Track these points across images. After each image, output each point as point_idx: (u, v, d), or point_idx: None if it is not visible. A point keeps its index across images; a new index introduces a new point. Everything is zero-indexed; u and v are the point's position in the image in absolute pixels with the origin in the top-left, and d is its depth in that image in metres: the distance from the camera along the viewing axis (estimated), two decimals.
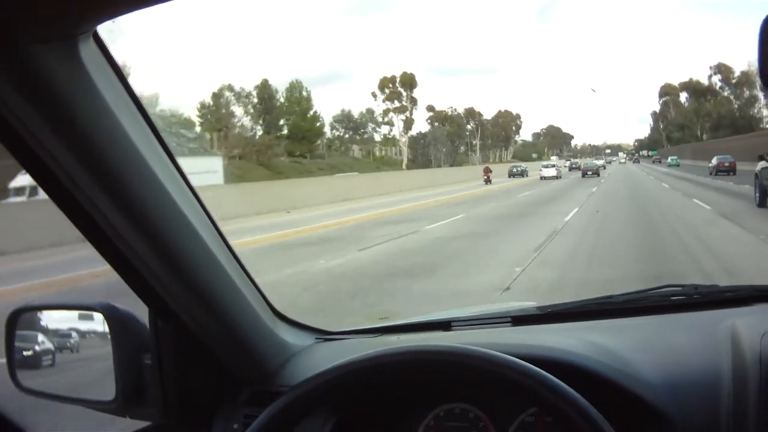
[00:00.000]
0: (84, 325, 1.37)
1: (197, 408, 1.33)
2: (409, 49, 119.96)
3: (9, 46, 0.82)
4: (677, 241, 10.78)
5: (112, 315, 1.27)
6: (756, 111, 76.75)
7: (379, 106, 76.69)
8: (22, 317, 1.37)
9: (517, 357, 1.01)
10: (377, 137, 76.33)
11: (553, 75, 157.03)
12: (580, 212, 17.25)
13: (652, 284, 1.58)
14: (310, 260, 10.83)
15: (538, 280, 8.02)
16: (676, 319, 1.41)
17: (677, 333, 1.31)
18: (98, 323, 1.29)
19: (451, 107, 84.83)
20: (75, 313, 1.40)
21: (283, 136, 60.53)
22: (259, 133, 59.13)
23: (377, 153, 73.94)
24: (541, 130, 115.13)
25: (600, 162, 64.55)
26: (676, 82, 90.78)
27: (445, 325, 1.55)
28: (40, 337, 1.40)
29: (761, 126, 70.14)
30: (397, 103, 74.61)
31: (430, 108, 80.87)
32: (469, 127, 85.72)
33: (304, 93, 63.94)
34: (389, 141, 76.33)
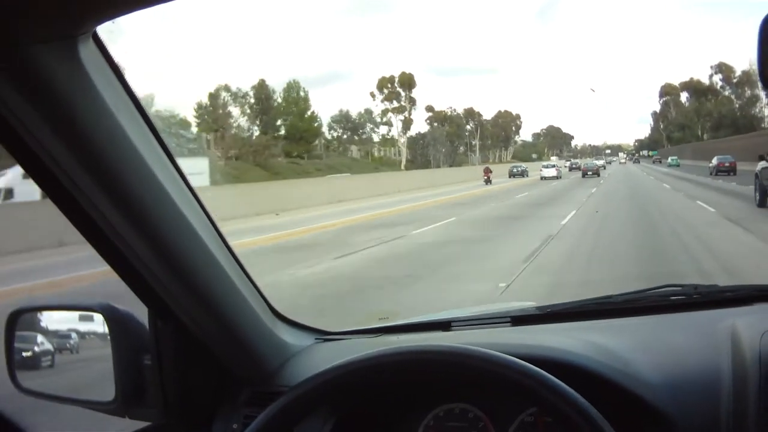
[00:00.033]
0: (83, 326, 1.37)
1: (197, 408, 1.33)
2: (408, 50, 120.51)
3: (9, 46, 0.82)
4: (678, 243, 10.58)
5: (111, 316, 1.27)
6: (758, 110, 76.80)
7: (377, 107, 76.51)
8: (22, 318, 1.37)
9: (516, 357, 1.01)
10: (376, 138, 76.34)
11: (553, 75, 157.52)
12: (578, 215, 16.70)
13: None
14: (278, 270, 9.71)
15: (527, 298, 7.39)
16: (676, 319, 1.41)
17: (677, 333, 1.31)
18: (98, 324, 1.29)
19: (451, 107, 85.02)
20: (74, 314, 1.40)
21: (281, 137, 60.16)
22: (256, 133, 58.99)
23: (376, 153, 73.74)
24: (541, 130, 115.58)
25: (600, 162, 64.80)
26: (676, 82, 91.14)
27: (444, 326, 1.55)
28: (40, 338, 1.40)
29: (762, 126, 70.10)
30: (395, 103, 74.59)
31: (430, 108, 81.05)
32: (468, 127, 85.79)
33: (302, 93, 63.75)
34: (388, 141, 76.20)
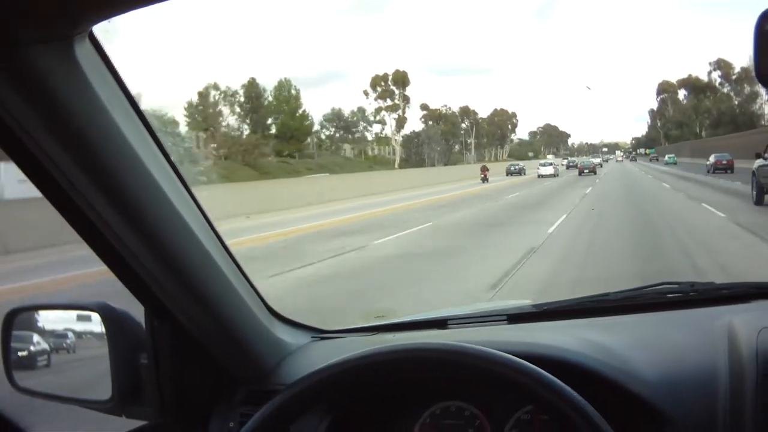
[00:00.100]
0: (80, 325, 1.37)
1: (193, 407, 1.33)
2: (402, 48, 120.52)
3: (9, 47, 0.82)
4: (679, 246, 9.95)
5: (108, 315, 1.27)
6: (757, 107, 76.55)
7: (371, 105, 76.07)
8: (18, 318, 1.37)
9: (513, 355, 1.01)
10: (369, 136, 75.83)
11: (549, 73, 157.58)
12: (568, 219, 15.06)
13: None
14: None
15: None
16: (673, 317, 1.41)
17: (674, 330, 1.31)
18: (94, 323, 1.29)
19: (446, 105, 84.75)
20: (71, 313, 1.40)
21: (271, 136, 59.45)
22: (246, 132, 58.36)
23: (370, 152, 73.27)
24: (538, 128, 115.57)
25: (597, 160, 65.16)
26: (674, 79, 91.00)
27: (441, 324, 1.55)
28: (36, 338, 1.40)
29: (762, 123, 70.06)
30: (389, 102, 74.21)
31: (424, 106, 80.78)
32: (464, 125, 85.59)
33: (293, 91, 63.08)
34: (383, 140, 75.81)
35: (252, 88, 60.33)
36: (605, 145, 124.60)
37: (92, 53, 0.93)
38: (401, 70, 74.94)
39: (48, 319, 1.41)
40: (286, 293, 7.82)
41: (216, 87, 58.12)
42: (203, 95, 56.95)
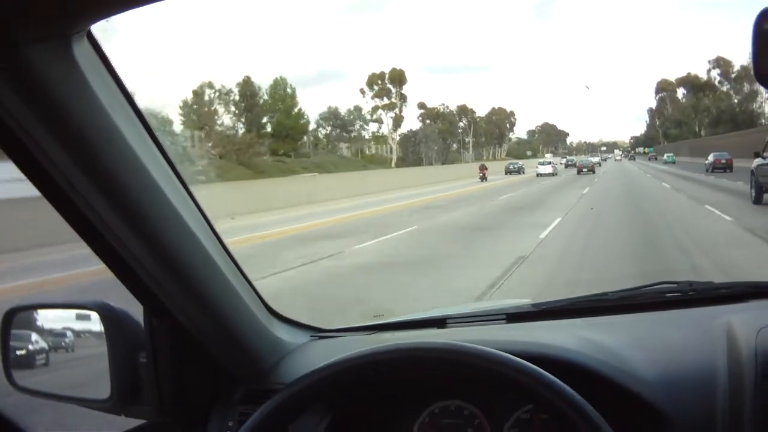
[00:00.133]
0: (79, 324, 1.36)
1: (192, 406, 1.33)
2: (400, 47, 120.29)
3: (9, 47, 0.82)
4: (679, 248, 9.59)
5: (106, 314, 1.27)
6: (757, 105, 76.29)
7: (367, 103, 75.37)
8: (17, 317, 1.37)
9: (512, 354, 1.01)
10: (366, 135, 75.34)
11: (548, 71, 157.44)
12: (563, 222, 14.35)
13: None
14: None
15: None
16: (672, 316, 1.41)
17: (672, 330, 1.31)
18: (93, 322, 1.29)
19: (443, 104, 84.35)
20: (70, 312, 1.40)
21: (267, 135, 58.77)
22: (241, 131, 57.52)
23: (367, 151, 72.91)
24: (536, 127, 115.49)
25: (595, 159, 65.35)
26: (673, 78, 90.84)
27: (440, 323, 1.55)
28: (34, 337, 1.39)
29: (762, 122, 69.98)
30: (386, 100, 73.78)
31: (422, 105, 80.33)
32: (461, 124, 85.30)
33: (289, 90, 62.35)
34: (380, 139, 75.36)
35: (247, 86, 59.82)
36: (604, 144, 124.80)
37: (90, 52, 0.93)
38: (398, 68, 74.78)
39: (47, 318, 1.41)
40: None
41: (211, 86, 57.66)
42: (198, 94, 56.56)
